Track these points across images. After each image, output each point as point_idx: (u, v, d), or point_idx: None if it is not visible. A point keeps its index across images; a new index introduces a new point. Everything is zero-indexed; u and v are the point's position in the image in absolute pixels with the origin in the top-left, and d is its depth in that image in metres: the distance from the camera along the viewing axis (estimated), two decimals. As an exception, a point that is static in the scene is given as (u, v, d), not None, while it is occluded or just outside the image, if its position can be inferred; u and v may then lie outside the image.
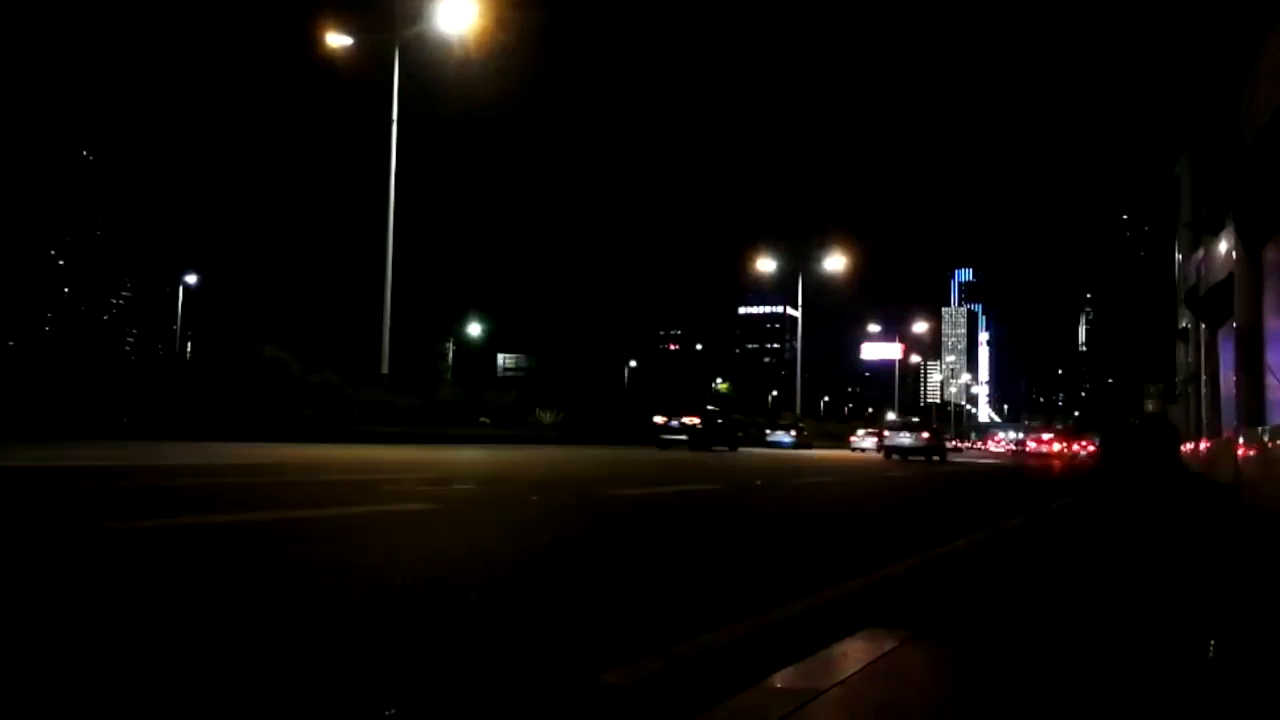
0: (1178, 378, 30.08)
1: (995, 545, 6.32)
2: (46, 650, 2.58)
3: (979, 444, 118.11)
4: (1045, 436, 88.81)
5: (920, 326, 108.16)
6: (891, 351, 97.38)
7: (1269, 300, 12.99)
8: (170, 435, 19.47)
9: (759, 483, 13.06)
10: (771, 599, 3.65)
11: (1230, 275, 14.73)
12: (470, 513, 6.97)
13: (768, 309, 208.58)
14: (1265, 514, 9.09)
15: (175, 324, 67.06)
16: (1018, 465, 34.70)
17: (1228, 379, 16.30)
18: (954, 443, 74.15)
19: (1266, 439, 10.42)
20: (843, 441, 53.58)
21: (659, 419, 31.88)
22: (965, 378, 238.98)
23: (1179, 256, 25.27)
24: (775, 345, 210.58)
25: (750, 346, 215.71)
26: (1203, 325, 21.26)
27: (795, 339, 74.53)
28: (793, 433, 49.98)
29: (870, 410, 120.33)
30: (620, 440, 33.15)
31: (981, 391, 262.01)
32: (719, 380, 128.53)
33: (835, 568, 4.63)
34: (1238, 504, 10.71)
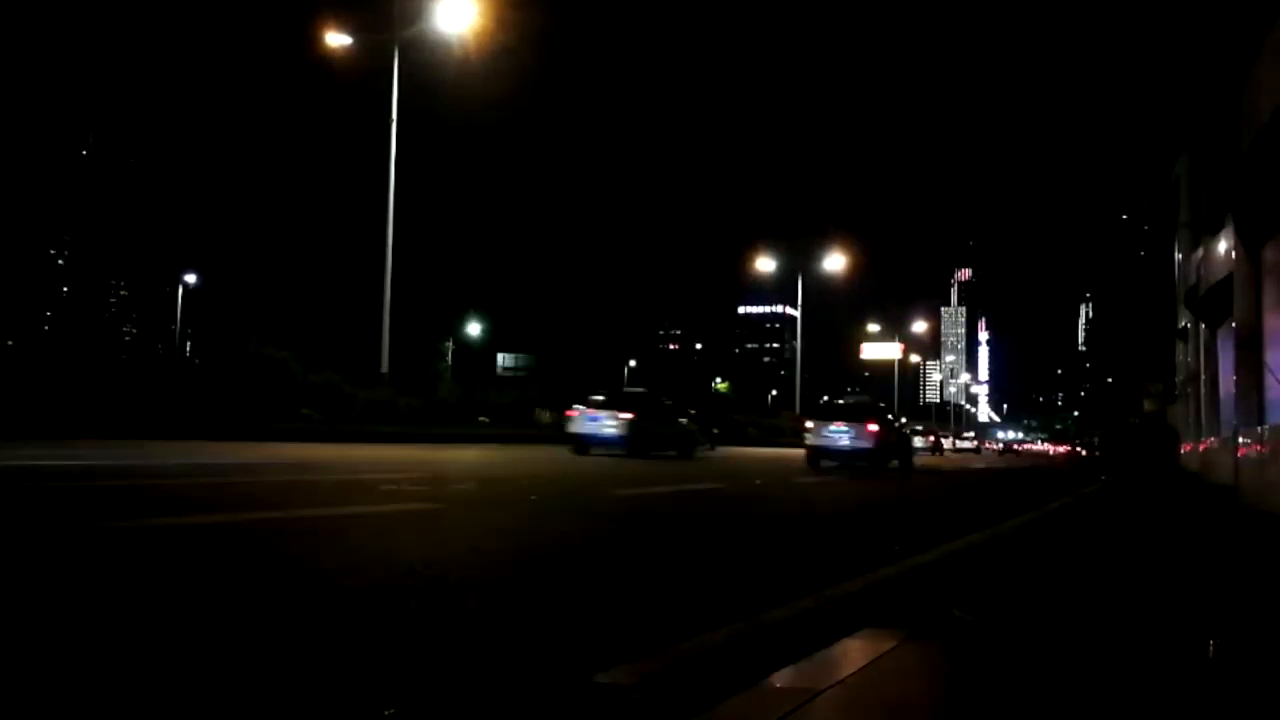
0: (1178, 378, 30.10)
1: (992, 545, 6.32)
2: (48, 647, 2.58)
3: (987, 443, 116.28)
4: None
5: (920, 326, 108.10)
6: (891, 351, 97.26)
7: (1268, 300, 13.00)
8: (169, 434, 19.46)
9: (759, 482, 13.06)
10: (771, 598, 3.64)
11: (1230, 275, 14.74)
12: (470, 512, 6.96)
13: (767, 309, 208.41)
14: (1264, 514, 9.09)
15: (175, 323, 67.11)
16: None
17: (1228, 379, 16.31)
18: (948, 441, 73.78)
19: (1266, 439, 10.42)
20: None
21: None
22: (965, 377, 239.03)
23: (1179, 256, 25.29)
24: (775, 345, 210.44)
25: (750, 346, 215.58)
26: (1203, 325, 21.27)
27: (795, 339, 74.53)
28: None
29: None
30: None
31: (981, 391, 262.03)
32: (719, 380, 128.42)
33: (835, 565, 4.63)
34: (1237, 504, 10.70)
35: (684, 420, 21.77)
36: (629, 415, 18.87)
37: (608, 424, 18.86)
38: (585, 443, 19.06)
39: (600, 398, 20.18)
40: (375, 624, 3.04)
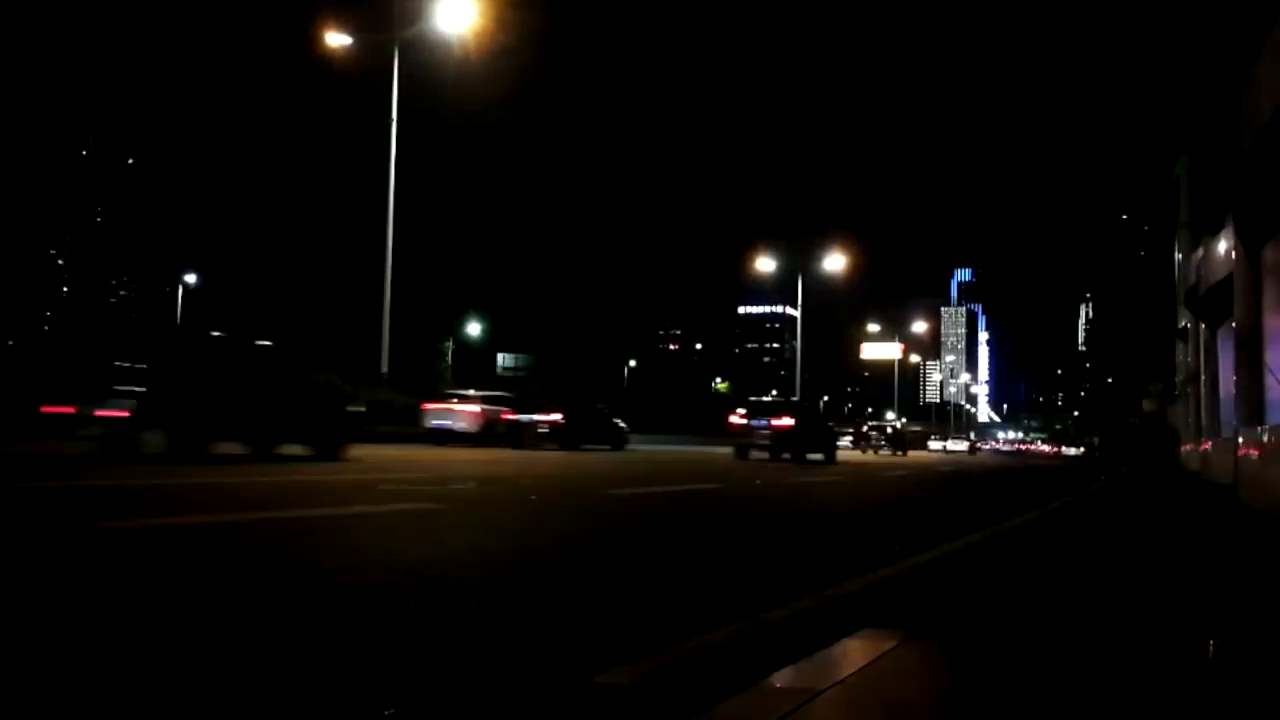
0: (1178, 378, 30.09)
1: (992, 545, 6.32)
2: (46, 650, 2.58)
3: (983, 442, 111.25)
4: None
5: (920, 326, 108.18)
6: (891, 351, 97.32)
7: (1268, 300, 13.00)
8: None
9: (758, 481, 13.06)
10: (771, 598, 3.64)
11: (1230, 275, 14.74)
12: (470, 512, 6.96)
13: (767, 309, 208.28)
14: (1264, 514, 9.09)
15: (175, 323, 67.07)
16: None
17: (1228, 379, 16.31)
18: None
19: (1266, 439, 10.42)
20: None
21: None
22: (965, 377, 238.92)
23: (1179, 256, 25.29)
24: (775, 345, 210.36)
25: (750, 346, 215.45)
26: (1203, 325, 21.27)
27: (795, 339, 74.50)
28: None
29: (870, 410, 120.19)
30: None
31: (981, 391, 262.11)
32: (719, 380, 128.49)
33: (833, 565, 4.63)
34: (1237, 504, 10.70)
35: (832, 424, 28.70)
36: (789, 421, 23.22)
37: (763, 432, 22.93)
38: (744, 446, 22.76)
39: (764, 404, 25.41)
40: (375, 624, 3.04)
